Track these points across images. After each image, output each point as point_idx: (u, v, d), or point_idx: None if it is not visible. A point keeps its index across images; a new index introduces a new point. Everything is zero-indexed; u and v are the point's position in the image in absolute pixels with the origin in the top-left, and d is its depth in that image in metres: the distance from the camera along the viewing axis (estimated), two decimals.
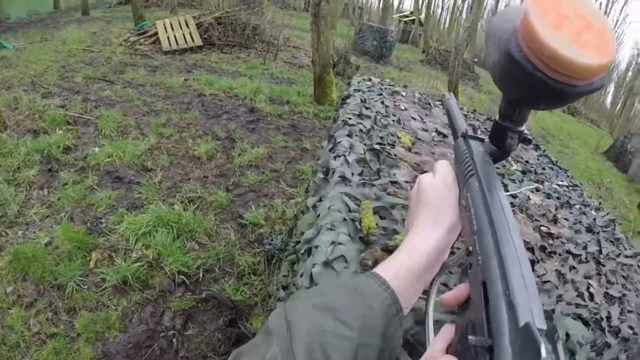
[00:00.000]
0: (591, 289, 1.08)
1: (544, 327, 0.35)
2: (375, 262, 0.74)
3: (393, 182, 1.12)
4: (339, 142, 1.27)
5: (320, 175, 1.11)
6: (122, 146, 4.10)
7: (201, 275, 2.75)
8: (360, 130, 1.45)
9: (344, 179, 1.05)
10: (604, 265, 1.25)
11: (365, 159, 1.20)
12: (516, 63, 0.49)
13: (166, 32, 8.58)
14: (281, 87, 7.18)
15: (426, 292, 0.64)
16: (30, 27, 10.32)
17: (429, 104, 2.26)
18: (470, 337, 0.40)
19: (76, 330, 2.35)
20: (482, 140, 0.70)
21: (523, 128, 0.62)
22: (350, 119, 1.52)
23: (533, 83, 0.49)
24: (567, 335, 0.88)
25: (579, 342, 0.88)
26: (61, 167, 3.75)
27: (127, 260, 2.76)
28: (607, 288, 1.14)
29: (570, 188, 1.93)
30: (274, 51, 9.58)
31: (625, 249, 1.47)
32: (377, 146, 1.34)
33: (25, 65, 6.42)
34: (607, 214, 1.76)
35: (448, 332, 0.52)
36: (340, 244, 0.80)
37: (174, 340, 2.35)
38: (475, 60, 24.56)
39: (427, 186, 0.67)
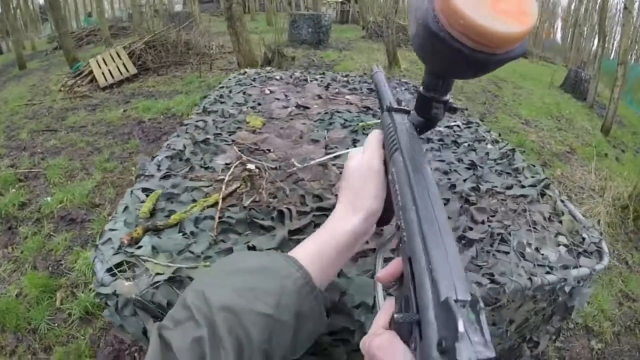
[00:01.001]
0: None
1: (468, 298, 0.34)
2: (132, 240, 0.90)
3: (206, 168, 1.28)
4: (164, 144, 1.45)
5: (132, 178, 1.33)
6: (71, 190, 4.30)
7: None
8: (197, 127, 1.58)
9: (147, 176, 1.19)
10: (473, 204, 1.19)
11: (179, 153, 1.33)
12: (434, 35, 0.48)
13: (100, 68, 8.64)
14: None
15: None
16: None
17: (306, 79, 2.38)
18: (396, 315, 0.41)
19: None
20: (407, 112, 0.70)
21: (448, 97, 0.61)
22: (191, 118, 1.67)
23: (452, 54, 0.47)
24: None
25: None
26: (19, 223, 3.93)
27: (86, 292, 3.00)
28: (466, 230, 1.07)
29: (464, 126, 1.86)
30: (209, 61, 9.70)
31: (526, 178, 1.42)
32: (210, 136, 1.49)
33: None
34: (506, 144, 1.70)
35: (389, 306, 0.52)
36: (113, 230, 0.96)
37: (136, 354, 2.60)
38: None
39: (352, 168, 0.69)
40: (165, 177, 1.20)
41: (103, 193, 4.31)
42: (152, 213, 1.02)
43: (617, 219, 5.34)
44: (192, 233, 0.95)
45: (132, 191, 1.11)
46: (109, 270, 0.85)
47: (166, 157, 1.30)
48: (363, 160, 0.68)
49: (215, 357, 0.50)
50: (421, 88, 0.62)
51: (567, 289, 0.99)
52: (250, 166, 1.24)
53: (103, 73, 8.57)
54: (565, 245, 1.10)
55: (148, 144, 5.50)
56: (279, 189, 1.18)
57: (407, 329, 0.41)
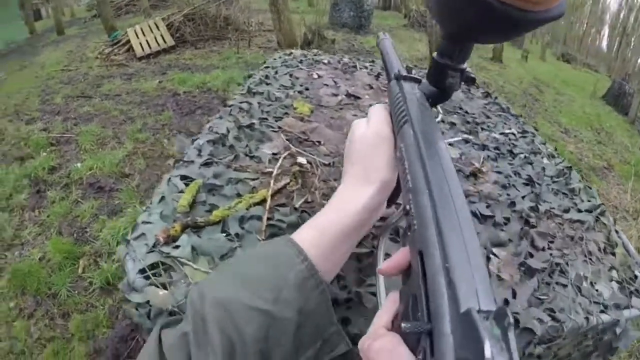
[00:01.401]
0: (494, 261, 0.93)
1: (493, 308, 0.29)
2: (168, 238, 0.78)
3: (252, 157, 1.16)
4: (206, 126, 1.32)
5: (170, 162, 1.21)
6: (102, 157, 4.28)
7: None
8: (241, 109, 1.45)
9: (186, 161, 1.07)
10: (534, 227, 1.09)
11: (222, 138, 1.21)
12: None
13: (138, 38, 8.63)
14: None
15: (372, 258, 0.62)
16: (9, 58, 10.42)
17: (355, 66, 2.22)
18: (403, 325, 0.33)
19: (70, 332, 2.60)
20: (418, 81, 0.62)
21: (465, 66, 0.54)
22: (234, 99, 1.55)
23: (478, 9, 0.41)
24: None
25: None
26: (48, 187, 3.95)
27: (109, 262, 2.98)
28: (527, 257, 0.98)
29: (519, 135, 1.74)
30: (248, 38, 9.60)
31: (582, 201, 1.32)
32: (255, 120, 1.36)
33: (7, 96, 6.59)
34: (563, 160, 1.59)
35: (392, 302, 0.46)
36: (148, 222, 0.84)
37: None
38: None
39: (358, 138, 0.62)
40: (206, 164, 1.08)
41: (133, 163, 4.28)
42: (192, 206, 0.90)
43: None
44: (237, 235, 0.83)
45: (169, 179, 0.99)
46: (142, 271, 0.73)
47: (207, 141, 1.18)
48: (370, 128, 0.61)
49: (200, 357, 0.46)
50: (435, 54, 0.55)
51: (617, 330, 0.94)
52: (301, 160, 1.11)
53: (140, 43, 8.56)
54: (617, 282, 1.04)
55: (181, 117, 5.44)
56: (333, 190, 1.05)
57: (415, 336, 0.33)
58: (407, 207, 0.44)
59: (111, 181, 4.00)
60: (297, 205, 0.96)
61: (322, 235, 0.56)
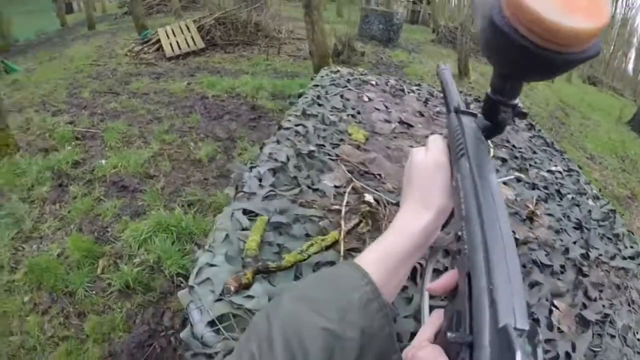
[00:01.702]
0: (555, 314, 0.94)
1: (526, 327, 0.32)
2: (240, 287, 0.71)
3: (315, 190, 1.10)
4: (262, 152, 1.25)
5: (227, 191, 1.13)
6: (127, 156, 4.23)
7: None
8: (297, 133, 1.40)
9: (247, 192, 1.01)
10: (586, 275, 1.12)
11: (283, 167, 1.15)
12: (499, 30, 0.45)
13: (168, 38, 8.67)
14: (284, 81, 7.20)
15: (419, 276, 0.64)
16: (39, 48, 10.57)
17: (403, 90, 2.20)
18: (449, 334, 0.37)
19: (85, 333, 2.53)
20: (474, 115, 0.66)
21: (516, 101, 0.58)
22: (289, 120, 1.48)
23: (518, 52, 0.45)
24: None
25: None
26: (71, 182, 3.91)
27: (130, 265, 2.91)
28: (582, 308, 1.00)
29: (565, 173, 1.78)
30: (277, 45, 9.59)
31: (626, 247, 1.34)
32: (313, 147, 1.30)
33: (35, 86, 6.61)
34: (607, 203, 1.64)
35: (437, 318, 0.51)
36: (213, 265, 0.77)
37: (172, 339, 2.49)
38: None
39: (418, 165, 0.65)
40: (268, 196, 1.01)
41: (159, 165, 4.22)
42: (259, 246, 0.82)
43: None
44: None
45: (232, 213, 0.92)
46: (211, 323, 0.65)
47: (268, 169, 1.11)
48: (430, 157, 0.64)
49: None
50: (489, 90, 0.58)
51: None
52: (369, 198, 1.03)
53: (170, 43, 8.59)
54: None
55: (209, 120, 5.39)
56: None
57: (456, 348, 0.38)
58: (459, 233, 0.47)
59: (135, 181, 3.95)
60: None
61: (385, 257, 0.57)
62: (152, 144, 4.62)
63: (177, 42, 8.68)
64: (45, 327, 2.57)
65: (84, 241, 3.12)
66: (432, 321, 0.50)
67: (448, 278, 0.50)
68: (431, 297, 0.60)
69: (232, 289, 0.69)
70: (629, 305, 1.10)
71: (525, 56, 0.44)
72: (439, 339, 0.47)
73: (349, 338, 0.48)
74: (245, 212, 0.94)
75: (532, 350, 0.29)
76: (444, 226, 0.64)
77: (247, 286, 0.71)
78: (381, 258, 0.57)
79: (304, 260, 0.80)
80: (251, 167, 1.13)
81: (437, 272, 0.80)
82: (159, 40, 8.73)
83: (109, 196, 3.74)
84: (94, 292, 2.78)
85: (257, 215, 0.92)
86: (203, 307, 0.68)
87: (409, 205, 0.62)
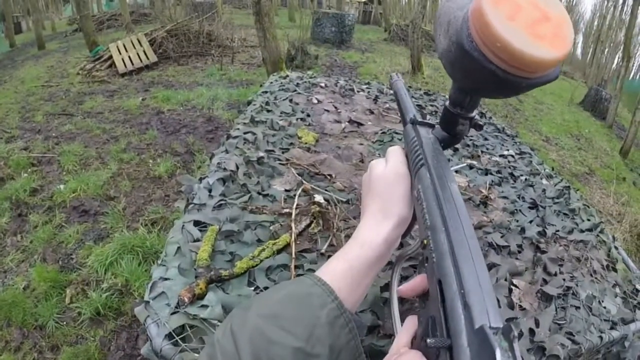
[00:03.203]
0: (515, 292, 0.97)
1: (500, 325, 0.34)
2: (194, 297, 0.72)
3: (265, 195, 1.11)
4: (211, 162, 1.26)
5: (178, 205, 1.14)
6: (85, 179, 4.15)
7: None
8: (246, 141, 1.40)
9: (198, 204, 1.01)
10: (544, 252, 1.14)
11: (232, 175, 1.15)
12: (467, 53, 0.47)
13: (120, 54, 8.52)
14: (239, 90, 7.22)
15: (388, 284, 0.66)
16: None
17: (352, 89, 2.24)
18: (429, 340, 0.39)
19: None
20: (432, 126, 0.68)
21: (474, 114, 0.60)
22: (238, 129, 1.49)
23: (484, 74, 0.47)
24: None
25: None
26: (30, 210, 3.81)
27: (98, 291, 2.85)
28: (543, 284, 1.03)
29: (517, 157, 1.83)
30: (231, 54, 9.56)
31: (583, 221, 1.38)
32: (262, 154, 1.31)
33: None
34: (561, 180, 1.68)
35: (412, 324, 0.52)
36: (166, 279, 0.77)
37: None
38: None
39: (378, 176, 0.66)
40: (219, 206, 1.02)
41: (118, 185, 4.16)
42: (211, 256, 0.84)
43: (633, 246, 5.28)
44: (265, 288, 0.77)
45: (183, 225, 0.93)
46: (169, 336, 0.67)
47: (217, 179, 1.12)
48: (389, 168, 0.66)
49: None
50: (447, 103, 0.60)
51: (626, 344, 1.00)
52: (319, 198, 1.06)
53: (123, 59, 8.45)
54: (622, 297, 1.10)
55: (167, 136, 5.34)
56: (354, 229, 1.00)
57: (435, 351, 0.39)
58: (424, 241, 0.50)
59: (96, 204, 3.88)
60: (323, 250, 0.92)
61: (349, 269, 0.58)
62: (110, 164, 4.55)
63: (129, 57, 8.54)
64: None
65: (49, 271, 3.05)
66: (407, 327, 0.52)
67: (417, 282, 0.53)
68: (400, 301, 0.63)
69: (186, 300, 0.70)
70: (590, 275, 1.13)
71: (491, 79, 0.47)
72: (415, 344, 0.49)
73: (318, 355, 0.49)
74: (196, 223, 0.94)
75: (508, 345, 0.31)
76: (404, 235, 0.66)
77: (201, 296, 0.73)
78: (345, 271, 0.58)
79: (256, 265, 0.82)
80: (201, 179, 1.14)
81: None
82: (111, 57, 8.58)
83: (70, 222, 3.66)
84: (64, 322, 2.71)
85: (207, 225, 0.93)
86: (160, 321, 0.69)
87: (369, 217, 0.64)
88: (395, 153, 0.68)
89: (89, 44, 9.70)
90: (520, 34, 0.43)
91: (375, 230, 0.61)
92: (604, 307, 1.03)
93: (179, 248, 0.86)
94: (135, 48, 8.73)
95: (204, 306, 0.71)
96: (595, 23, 36.01)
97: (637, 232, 5.55)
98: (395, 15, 19.39)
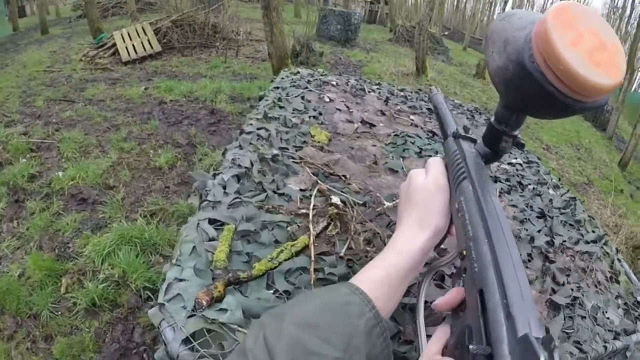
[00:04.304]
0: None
1: (541, 335, 0.35)
2: (212, 300, 0.69)
3: (281, 195, 1.08)
4: (225, 157, 1.22)
5: (191, 201, 1.10)
6: (84, 167, 4.09)
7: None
8: (260, 137, 1.38)
9: (212, 201, 0.97)
10: (553, 262, 1.15)
11: (247, 172, 1.12)
12: (527, 73, 0.48)
13: (124, 42, 8.45)
14: (242, 83, 7.17)
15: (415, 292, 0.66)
16: None
17: (363, 89, 2.22)
18: (472, 347, 0.40)
19: (54, 357, 2.42)
20: (474, 141, 0.69)
21: (517, 132, 0.61)
22: (251, 124, 1.46)
23: (541, 95, 0.49)
24: None
25: None
26: (27, 197, 3.75)
27: (94, 281, 2.81)
28: (552, 293, 1.04)
29: (525, 165, 1.84)
30: (235, 47, 9.50)
31: (588, 232, 1.40)
32: (276, 151, 1.28)
33: None
34: (567, 191, 1.69)
35: (443, 333, 0.53)
36: (182, 280, 0.74)
37: (144, 355, 2.43)
38: (445, 33, 24.40)
39: (418, 186, 0.67)
40: (234, 203, 0.99)
41: (118, 174, 4.11)
42: (228, 257, 0.80)
43: (628, 258, 5.29)
44: (286, 292, 0.74)
45: (198, 223, 0.89)
46: (186, 341, 0.63)
47: (232, 176, 1.08)
48: (429, 179, 0.66)
49: None
50: (492, 119, 0.62)
51: (628, 354, 1.01)
52: (335, 200, 1.03)
53: (127, 47, 8.38)
54: (624, 309, 1.12)
55: (168, 126, 5.29)
56: (375, 235, 0.98)
57: (477, 358, 0.40)
58: (464, 252, 0.51)
59: (94, 193, 3.83)
60: (342, 254, 0.89)
61: (387, 276, 0.58)
62: (110, 153, 4.49)
63: (133, 45, 8.47)
64: (12, 353, 2.45)
65: (44, 259, 3.00)
66: (439, 336, 0.53)
67: (453, 295, 0.53)
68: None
69: (204, 303, 0.67)
70: (595, 286, 1.14)
71: (547, 100, 0.48)
72: (447, 353, 0.50)
73: None
74: (211, 221, 0.91)
75: (548, 355, 0.32)
76: (436, 246, 0.65)
77: (219, 299, 0.69)
78: (382, 279, 0.58)
79: (275, 267, 0.79)
80: (214, 175, 1.10)
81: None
82: (114, 44, 8.50)
83: (68, 210, 3.61)
84: (59, 312, 2.67)
85: (223, 224, 0.90)
86: (176, 325, 0.65)
87: (406, 226, 0.64)
88: (436, 164, 0.69)
89: (92, 30, 9.63)
90: (581, 59, 0.45)
91: (412, 239, 0.62)
92: (608, 318, 1.05)
93: (194, 247, 0.82)
94: (139, 37, 8.66)
95: (223, 310, 0.68)
96: None
97: (632, 244, 5.57)
98: (401, 16, 19.33)
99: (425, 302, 0.64)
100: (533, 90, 0.49)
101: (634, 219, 6.95)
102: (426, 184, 0.66)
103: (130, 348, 2.48)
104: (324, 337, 0.49)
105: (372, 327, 0.51)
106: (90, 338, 2.51)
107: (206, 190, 1.03)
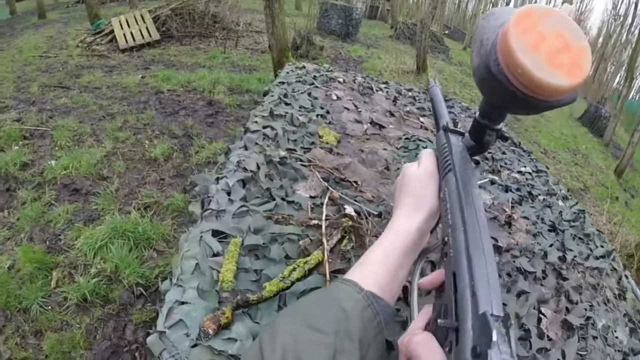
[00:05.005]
0: (543, 322, 0.95)
1: (501, 314, 0.39)
2: (219, 328, 0.62)
3: (290, 202, 1.00)
4: (229, 159, 1.13)
5: (192, 209, 1.02)
6: (78, 156, 3.99)
7: (160, 284, 2.72)
8: (266, 136, 1.29)
9: (216, 209, 0.89)
10: (566, 279, 1.13)
11: (253, 177, 1.04)
12: (493, 74, 0.52)
13: (122, 29, 8.31)
14: (241, 75, 7.05)
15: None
16: None
17: (371, 88, 2.14)
18: (439, 320, 0.44)
19: (44, 353, 2.35)
20: (462, 134, 0.72)
21: (500, 126, 0.64)
22: (256, 122, 1.37)
23: (507, 94, 0.51)
24: None
25: None
26: (19, 185, 3.65)
27: (86, 276, 2.72)
28: (566, 312, 1.01)
29: (534, 174, 1.81)
30: (235, 38, 9.38)
31: (597, 247, 1.37)
32: (284, 153, 1.20)
33: None
34: (576, 203, 1.67)
35: (427, 311, 0.55)
36: (184, 303, 0.66)
37: (136, 354, 2.35)
38: (446, 32, 24.31)
39: (411, 176, 0.70)
40: (240, 212, 0.91)
41: (112, 165, 4.01)
42: (235, 275, 0.72)
43: None
44: None
45: (201, 236, 0.81)
46: None
47: (237, 181, 1.00)
48: (422, 168, 0.71)
49: None
50: (477, 114, 0.65)
51: None
52: (350, 210, 0.96)
53: (124, 34, 8.24)
54: (631, 327, 1.10)
55: (165, 117, 5.18)
56: None
57: (443, 333, 0.45)
58: (445, 238, 0.55)
59: (88, 183, 3.73)
60: None
61: (387, 256, 0.61)
62: (105, 142, 4.39)
63: (131, 33, 8.34)
64: (1, 348, 2.37)
65: (35, 252, 2.91)
66: (423, 314, 0.55)
67: (436, 275, 0.56)
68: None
69: (211, 331, 0.59)
70: (605, 304, 1.11)
71: (513, 99, 0.52)
72: (428, 328, 0.53)
73: (347, 350, 0.50)
74: (215, 233, 0.83)
75: (506, 331, 0.35)
76: (431, 230, 0.69)
77: (227, 325, 0.62)
78: (382, 258, 0.61)
79: (288, 288, 0.71)
80: (217, 178, 1.02)
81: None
82: (112, 31, 8.38)
83: (60, 200, 3.51)
84: (49, 307, 2.58)
85: (228, 236, 0.82)
86: (179, 356, 0.58)
87: (402, 210, 0.68)
88: (428, 155, 0.74)
89: (90, 16, 9.49)
90: (541, 62, 0.48)
91: (409, 221, 0.65)
92: (617, 337, 1.03)
93: (197, 264, 0.74)
94: (137, 24, 8.53)
95: (232, 339, 0.60)
96: (600, 40, 36.08)
97: (626, 252, 5.56)
98: (402, 13, 19.22)
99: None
100: (500, 91, 0.52)
101: (629, 227, 6.95)
102: (419, 172, 0.70)
103: (121, 346, 2.40)
104: (314, 326, 0.50)
105: (362, 309, 0.53)
106: (80, 334, 2.43)
107: (209, 197, 0.95)
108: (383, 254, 0.61)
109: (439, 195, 0.66)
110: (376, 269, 0.59)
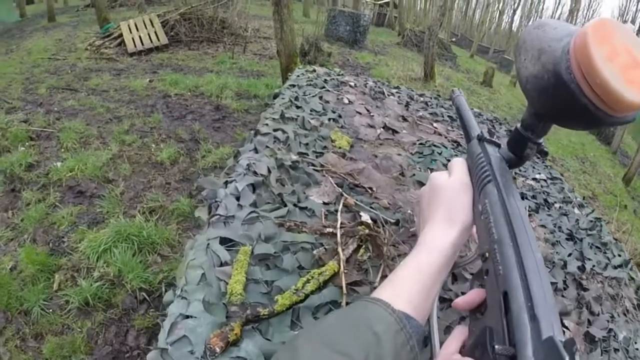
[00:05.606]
0: (567, 335, 0.90)
1: (563, 339, 0.35)
2: (227, 345, 0.57)
3: (302, 209, 0.95)
4: (238, 162, 1.08)
5: (198, 214, 0.97)
6: (84, 158, 3.97)
7: (163, 290, 2.68)
8: (277, 139, 1.24)
9: (224, 215, 0.84)
10: (586, 290, 1.09)
11: (264, 181, 0.99)
12: (563, 83, 0.48)
13: (131, 33, 8.35)
14: (249, 80, 7.04)
15: None
16: None
17: (383, 92, 2.10)
18: (497, 347, 0.40)
19: (44, 356, 2.31)
20: (498, 145, 0.68)
21: (542, 140, 0.61)
22: (266, 125, 1.32)
23: (575, 106, 0.48)
24: None
25: None
26: (24, 186, 3.63)
27: (88, 279, 2.68)
28: (588, 324, 0.98)
29: (549, 181, 1.78)
30: (243, 44, 9.39)
31: (614, 256, 1.35)
32: (295, 157, 1.16)
33: None
34: (592, 211, 1.64)
35: (461, 333, 0.53)
36: (188, 317, 0.61)
37: (138, 359, 2.31)
38: (453, 40, 24.33)
39: (443, 185, 0.67)
40: (250, 219, 0.85)
41: (118, 168, 3.98)
42: (245, 287, 0.67)
43: None
44: None
45: (208, 244, 0.75)
46: None
47: (247, 185, 0.94)
48: (454, 178, 0.67)
49: None
50: (519, 125, 0.62)
51: None
52: (366, 218, 0.90)
53: (133, 38, 8.27)
54: None
55: (172, 120, 5.16)
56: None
57: (501, 358, 0.40)
58: (486, 254, 0.51)
59: (93, 186, 3.70)
60: (377, 284, 0.77)
61: (419, 273, 0.56)
62: (111, 145, 4.37)
63: (140, 37, 8.38)
64: (1, 350, 2.33)
65: (38, 253, 2.88)
66: (456, 336, 0.53)
67: (473, 295, 0.53)
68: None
69: (218, 350, 0.54)
70: (624, 315, 1.08)
71: (580, 111, 0.49)
72: (465, 353, 0.49)
73: None
74: (222, 241, 0.77)
75: (570, 357, 0.32)
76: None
77: (235, 342, 0.57)
78: (416, 276, 0.56)
79: (301, 301, 0.66)
80: (226, 182, 0.96)
81: None
82: (121, 35, 8.42)
83: (64, 202, 3.49)
84: (51, 310, 2.54)
85: (237, 244, 0.76)
86: None
87: (435, 224, 0.63)
88: (460, 164, 0.70)
89: (100, 20, 9.55)
90: (617, 75, 0.45)
91: (443, 236, 0.60)
92: (637, 349, 0.99)
93: (203, 274, 0.68)
94: (146, 28, 8.56)
95: (241, 358, 0.55)
96: None
97: (636, 261, 5.50)
98: (409, 21, 19.24)
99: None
100: (567, 101, 0.49)
101: (638, 236, 6.87)
102: (451, 182, 0.66)
103: (123, 351, 2.36)
104: (341, 350, 0.45)
105: (395, 333, 0.47)
106: (82, 339, 2.39)
107: (216, 202, 0.89)
108: (416, 271, 0.56)
109: (474, 209, 0.62)
110: (409, 287, 0.54)
